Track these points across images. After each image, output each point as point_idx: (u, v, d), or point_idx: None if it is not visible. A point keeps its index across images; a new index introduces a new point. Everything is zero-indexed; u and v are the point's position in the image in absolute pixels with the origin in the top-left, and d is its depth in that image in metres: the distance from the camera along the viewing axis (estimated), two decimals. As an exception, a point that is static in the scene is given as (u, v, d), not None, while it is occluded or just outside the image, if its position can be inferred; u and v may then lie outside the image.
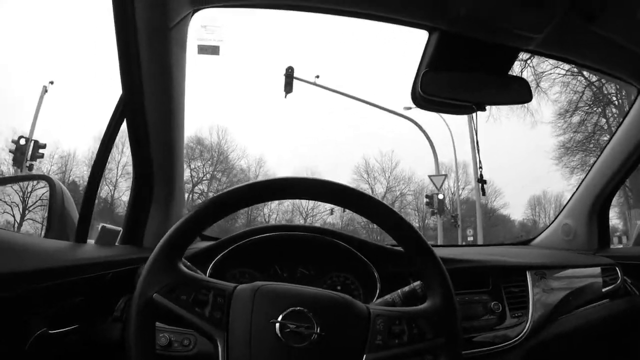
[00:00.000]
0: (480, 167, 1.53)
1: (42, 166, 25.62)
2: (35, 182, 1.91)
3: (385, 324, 1.00)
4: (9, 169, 20.35)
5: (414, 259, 1.10)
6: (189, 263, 1.23)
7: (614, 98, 20.17)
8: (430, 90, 1.38)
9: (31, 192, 1.93)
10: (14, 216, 2.17)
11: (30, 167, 16.34)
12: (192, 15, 1.32)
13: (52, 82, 19.28)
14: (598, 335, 1.86)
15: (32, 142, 16.37)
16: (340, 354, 0.97)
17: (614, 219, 21.28)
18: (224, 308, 0.97)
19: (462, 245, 7.00)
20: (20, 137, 16.37)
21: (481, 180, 1.53)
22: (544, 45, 1.43)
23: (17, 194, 1.96)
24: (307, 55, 40.22)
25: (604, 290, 1.89)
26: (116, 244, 1.56)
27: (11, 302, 0.99)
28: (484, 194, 1.61)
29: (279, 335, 0.94)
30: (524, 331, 1.61)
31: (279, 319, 0.95)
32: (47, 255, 1.16)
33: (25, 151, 16.01)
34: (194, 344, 1.37)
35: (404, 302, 1.29)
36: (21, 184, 1.97)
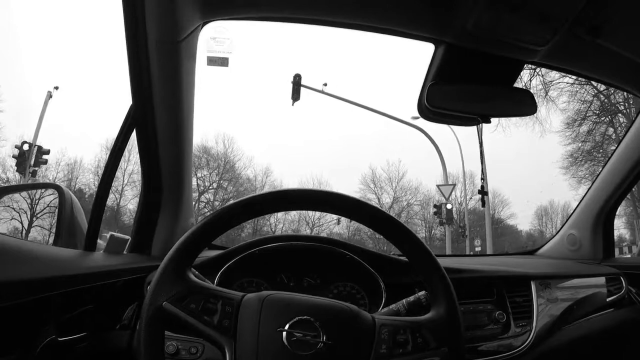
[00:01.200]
0: (482, 179, 1.54)
1: (48, 173, 25.73)
2: (43, 190, 1.92)
3: (390, 334, 1.01)
4: (14, 176, 20.40)
5: (419, 269, 1.12)
6: (197, 272, 1.24)
7: (622, 107, 20.05)
8: (436, 102, 1.39)
9: (39, 200, 1.94)
10: (22, 223, 2.19)
11: (34, 173, 16.34)
12: (201, 28, 1.34)
13: (56, 88, 19.29)
14: (602, 344, 1.86)
15: (36, 147, 16.37)
16: None
17: (621, 228, 21.19)
18: (232, 316, 0.99)
19: (467, 255, 6.98)
20: (24, 142, 16.38)
21: (482, 192, 1.54)
22: (549, 58, 1.44)
23: (26, 201, 1.97)
24: (315, 64, 40.26)
25: (608, 299, 1.89)
26: (124, 252, 1.57)
27: (21, 310, 1.01)
28: (483, 205, 1.63)
29: (286, 343, 0.95)
30: (528, 340, 1.62)
31: (286, 327, 0.97)
32: (57, 264, 1.17)
33: (29, 157, 16.01)
34: (201, 352, 1.38)
35: (409, 311, 1.30)
36: (30, 192, 1.99)
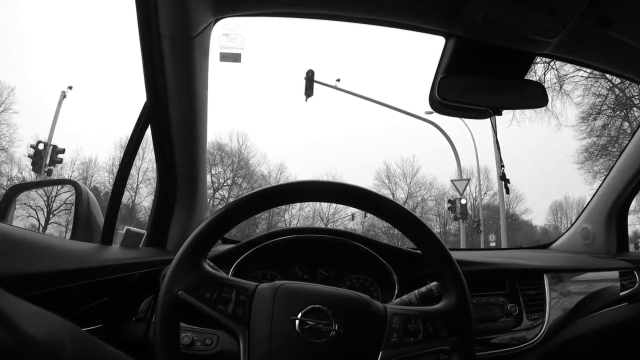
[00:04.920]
0: (503, 166, 1.54)
1: (64, 172, 25.96)
2: (60, 186, 1.95)
3: (401, 323, 1.03)
4: (30, 175, 20.61)
5: (429, 259, 1.13)
6: (212, 263, 1.26)
7: (637, 101, 19.81)
8: (447, 95, 1.39)
9: (56, 196, 1.97)
10: (38, 220, 2.22)
11: (49, 172, 16.49)
12: (214, 25, 1.35)
13: (70, 88, 19.45)
14: (615, 338, 1.85)
15: (51, 146, 16.53)
16: (357, 350, 1.00)
17: (637, 224, 20.89)
18: (246, 305, 1.01)
19: (481, 249, 6.95)
20: (39, 142, 16.55)
21: (504, 179, 1.55)
22: (560, 50, 1.43)
23: (43, 198, 2.00)
24: (328, 60, 40.17)
25: (621, 294, 1.89)
26: (140, 246, 1.59)
27: (39, 302, 1.03)
28: (507, 192, 1.63)
29: (299, 331, 0.97)
30: (540, 333, 1.63)
31: (299, 316, 0.98)
32: (74, 256, 1.20)
33: (44, 156, 16.16)
34: (216, 343, 1.40)
35: (421, 302, 1.31)
36: (47, 188, 2.01)
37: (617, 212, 2.18)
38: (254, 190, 1.12)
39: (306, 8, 1.36)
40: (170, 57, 1.30)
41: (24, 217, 1.96)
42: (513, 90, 1.44)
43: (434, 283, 1.32)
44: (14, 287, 0.91)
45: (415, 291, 1.34)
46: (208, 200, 2.06)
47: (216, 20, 1.34)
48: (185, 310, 1.00)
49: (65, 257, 1.15)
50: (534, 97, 1.45)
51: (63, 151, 17.00)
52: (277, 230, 1.68)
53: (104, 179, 29.45)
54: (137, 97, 1.45)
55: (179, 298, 0.99)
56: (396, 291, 1.57)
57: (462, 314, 1.06)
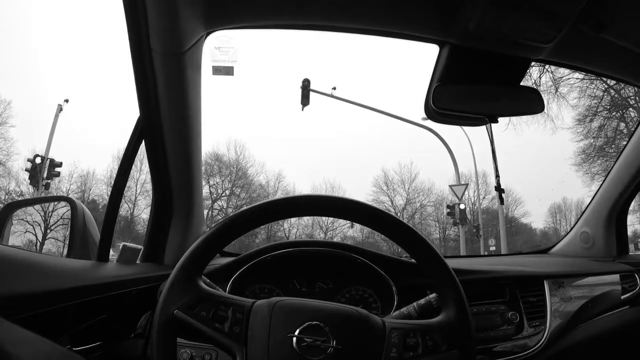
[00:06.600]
0: (497, 176, 1.53)
1: (61, 185, 25.97)
2: (56, 203, 1.94)
3: (400, 337, 1.02)
4: (27, 189, 20.61)
5: (427, 271, 1.12)
6: (208, 280, 1.25)
7: (633, 101, 19.87)
8: (442, 103, 1.39)
9: (52, 212, 1.96)
10: (35, 236, 2.21)
11: (47, 186, 16.51)
12: (205, 38, 1.35)
13: (67, 101, 19.45)
14: (618, 342, 1.84)
15: (48, 160, 16.55)
16: None
17: (636, 224, 20.91)
18: (243, 323, 1.00)
19: (480, 256, 6.93)
20: (36, 155, 16.59)
21: (499, 189, 1.54)
22: (555, 55, 1.43)
23: (40, 213, 1.99)
24: (323, 68, 40.08)
25: (623, 297, 1.88)
26: (137, 262, 1.58)
27: (36, 321, 1.02)
28: (502, 202, 1.63)
29: (296, 348, 0.96)
30: (542, 340, 1.62)
31: (296, 333, 0.97)
32: (70, 275, 1.19)
33: (41, 170, 16.18)
34: (215, 359, 1.39)
35: (420, 314, 1.30)
36: (43, 205, 2.01)
37: (616, 215, 2.18)
38: (249, 207, 1.11)
39: (299, 20, 1.36)
40: (161, 72, 1.29)
41: (20, 233, 1.95)
42: (509, 97, 1.44)
43: (433, 295, 1.31)
44: (9, 308, 0.90)
45: (414, 303, 1.33)
46: (207, 210, 2.06)
47: (207, 34, 1.34)
48: (182, 328, 0.99)
49: (62, 276, 1.14)
50: (530, 103, 1.44)
51: (60, 165, 17.05)
52: (275, 243, 1.67)
53: (102, 191, 29.37)
54: (134, 107, 1.44)
55: (175, 317, 0.98)
56: (395, 302, 1.56)
57: (461, 326, 1.05)
